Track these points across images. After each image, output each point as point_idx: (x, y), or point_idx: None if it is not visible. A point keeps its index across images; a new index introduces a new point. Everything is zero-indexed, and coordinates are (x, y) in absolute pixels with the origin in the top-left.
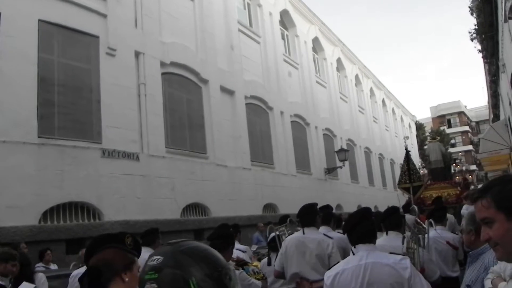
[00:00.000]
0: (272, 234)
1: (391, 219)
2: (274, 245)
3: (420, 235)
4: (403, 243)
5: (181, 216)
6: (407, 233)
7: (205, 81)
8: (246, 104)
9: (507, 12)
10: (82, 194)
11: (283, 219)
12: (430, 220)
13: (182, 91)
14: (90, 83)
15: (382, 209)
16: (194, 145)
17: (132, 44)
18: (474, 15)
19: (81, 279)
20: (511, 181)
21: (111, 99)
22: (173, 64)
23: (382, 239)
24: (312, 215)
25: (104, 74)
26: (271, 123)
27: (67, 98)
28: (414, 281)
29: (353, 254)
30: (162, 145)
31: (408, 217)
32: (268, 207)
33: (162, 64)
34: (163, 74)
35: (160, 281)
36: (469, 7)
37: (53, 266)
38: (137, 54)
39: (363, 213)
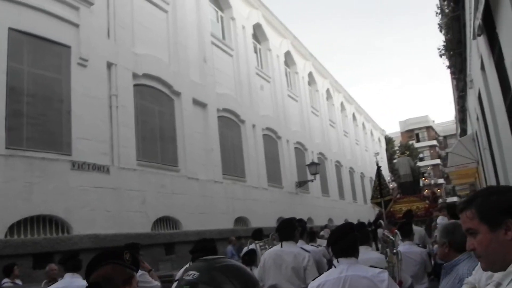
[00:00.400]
0: (247, 248)
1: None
2: (247, 259)
3: (397, 250)
4: (386, 257)
5: (152, 230)
6: (380, 246)
7: (177, 94)
8: (218, 117)
9: (475, 30)
10: (51, 207)
11: (256, 232)
12: (397, 231)
13: (154, 103)
14: (60, 94)
15: (353, 221)
16: (165, 157)
17: (104, 55)
18: (443, 31)
19: None
20: (494, 193)
21: (82, 110)
22: (146, 75)
23: None
24: (290, 229)
25: (75, 84)
26: (243, 136)
27: (36, 108)
28: None
29: (335, 267)
30: (133, 157)
31: (378, 230)
32: (240, 220)
33: (135, 76)
34: (135, 85)
35: None
36: (438, 24)
37: (18, 282)
38: (109, 65)
39: (346, 228)
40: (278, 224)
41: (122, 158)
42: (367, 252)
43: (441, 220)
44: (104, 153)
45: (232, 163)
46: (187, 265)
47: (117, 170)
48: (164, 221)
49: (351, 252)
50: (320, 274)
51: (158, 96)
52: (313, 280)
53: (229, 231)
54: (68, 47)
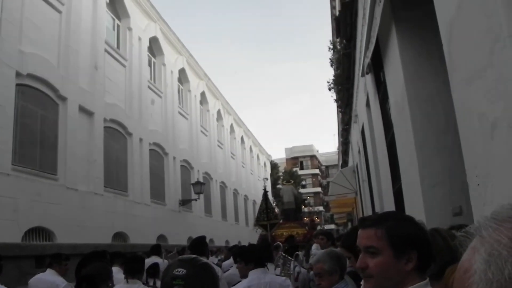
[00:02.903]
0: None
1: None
2: (152, 272)
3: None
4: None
5: (22, 240)
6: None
7: (63, 99)
8: (105, 127)
9: (364, 68)
10: None
11: (155, 248)
12: (298, 253)
13: (37, 106)
14: None
15: (233, 243)
16: (44, 165)
17: None
18: (334, 66)
19: (78, 285)
20: (406, 221)
21: None
22: (30, 76)
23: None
24: (202, 246)
25: None
26: (128, 149)
27: None
28: None
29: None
30: (8, 161)
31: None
32: (118, 236)
33: (18, 75)
34: (17, 85)
35: (186, 286)
36: (330, 59)
37: None
38: None
39: (260, 246)
40: (191, 241)
41: None
42: (271, 269)
43: (316, 248)
44: None
45: (115, 176)
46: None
47: None
48: (37, 231)
49: (263, 264)
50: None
51: (42, 99)
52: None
53: (106, 246)
54: None
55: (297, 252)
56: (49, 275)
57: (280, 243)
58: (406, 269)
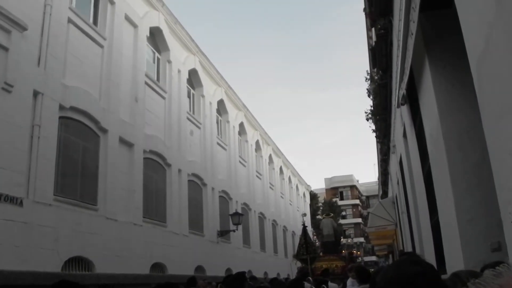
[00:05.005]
0: None
1: None
2: None
3: None
4: None
5: (62, 270)
6: None
7: (104, 131)
8: (144, 158)
9: (399, 99)
10: None
11: (191, 280)
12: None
13: (79, 138)
14: None
15: (272, 275)
16: (84, 195)
17: (31, 83)
18: (371, 97)
19: None
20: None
21: (0, 137)
22: (73, 109)
23: None
24: (240, 281)
25: None
26: (167, 180)
27: None
28: None
29: None
30: (50, 192)
31: (306, 284)
32: (156, 266)
33: (61, 108)
34: (60, 118)
35: None
36: (367, 89)
37: None
38: (35, 94)
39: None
40: (228, 276)
41: (38, 191)
42: None
43: (351, 284)
44: (19, 185)
45: (154, 207)
46: None
47: (31, 204)
48: (77, 261)
49: None
50: None
51: (84, 131)
52: None
53: (144, 277)
54: None
55: (323, 285)
56: None
57: (310, 278)
58: None
